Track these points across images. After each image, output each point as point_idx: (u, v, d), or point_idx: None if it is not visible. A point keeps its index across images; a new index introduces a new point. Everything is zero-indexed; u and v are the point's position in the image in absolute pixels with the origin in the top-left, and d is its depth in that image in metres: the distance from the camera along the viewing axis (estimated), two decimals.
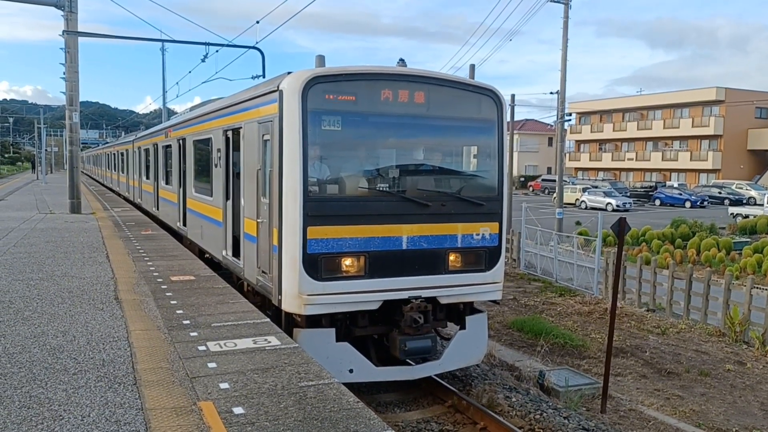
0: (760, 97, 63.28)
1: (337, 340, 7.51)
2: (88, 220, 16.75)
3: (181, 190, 14.09)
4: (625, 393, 9.70)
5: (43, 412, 4.23)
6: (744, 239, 26.08)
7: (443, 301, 7.97)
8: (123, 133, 70.65)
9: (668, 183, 59.89)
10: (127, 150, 26.45)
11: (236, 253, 9.54)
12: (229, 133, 9.96)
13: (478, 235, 8.11)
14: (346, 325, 7.76)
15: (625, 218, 9.31)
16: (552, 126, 62.90)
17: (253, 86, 9.97)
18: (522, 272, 19.74)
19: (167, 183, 16.16)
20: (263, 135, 8.08)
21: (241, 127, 9.21)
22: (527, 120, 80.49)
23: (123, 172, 28.31)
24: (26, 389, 4.63)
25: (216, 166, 10.70)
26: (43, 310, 6.99)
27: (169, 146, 15.87)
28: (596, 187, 51.77)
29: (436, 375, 8.56)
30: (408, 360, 8.02)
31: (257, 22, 20.13)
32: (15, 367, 5.09)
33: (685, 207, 47.00)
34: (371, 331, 7.99)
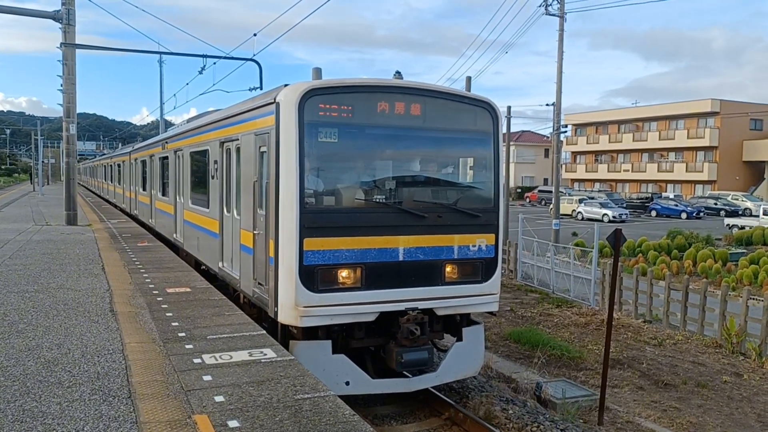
0: (755, 108, 63.64)
1: (334, 352, 7.48)
2: (85, 232, 16.71)
3: (178, 201, 14.09)
4: (622, 405, 9.68)
5: (36, 426, 4.20)
6: (740, 250, 26.13)
7: (440, 312, 7.96)
8: (120, 144, 70.70)
9: (664, 194, 60.12)
10: (123, 161, 26.46)
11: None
12: (226, 145, 9.98)
13: (474, 246, 8.12)
14: (342, 337, 7.74)
15: (621, 229, 9.33)
16: (548, 137, 63.14)
17: (250, 98, 10.00)
18: (519, 283, 19.73)
19: (164, 194, 16.15)
20: (260, 147, 8.10)
21: (238, 139, 9.22)
22: (523, 131, 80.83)
23: (119, 184, 28.30)
24: (19, 403, 4.60)
25: (213, 177, 10.70)
26: (38, 322, 6.95)
27: (165, 158, 15.88)
28: (593, 198, 51.90)
29: (432, 387, 8.53)
30: (405, 372, 7.99)
31: (254, 35, 20.27)
32: (8, 381, 5.06)
33: (681, 218, 47.12)
34: (368, 343, 7.97)
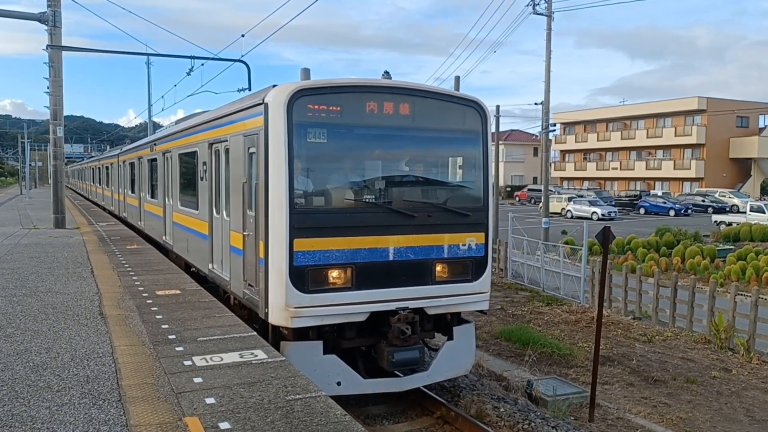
0: (741, 106, 64.26)
1: (325, 352, 7.48)
2: (73, 235, 16.59)
3: (167, 203, 14.02)
4: (613, 401, 9.73)
5: (26, 431, 4.17)
6: (727, 247, 26.37)
7: (430, 311, 7.97)
8: (108, 147, 70.26)
9: (652, 192, 60.53)
10: (111, 164, 26.31)
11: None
12: (215, 146, 9.95)
13: (464, 245, 8.14)
14: (333, 338, 7.73)
15: (609, 227, 9.40)
16: (537, 136, 63.38)
17: (238, 99, 9.97)
18: (509, 282, 19.80)
19: (152, 197, 16.07)
20: (249, 148, 8.08)
21: (226, 140, 9.20)
22: (513, 130, 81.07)
23: (108, 186, 28.14)
24: (8, 407, 4.56)
25: (202, 179, 10.66)
26: (26, 326, 6.90)
27: (154, 160, 15.81)
28: (582, 196, 52.16)
29: (424, 386, 8.54)
30: (396, 371, 8.00)
31: (242, 36, 20.29)
32: None
33: (669, 215, 47.44)
34: (359, 343, 7.97)
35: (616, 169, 70.95)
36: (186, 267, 12.07)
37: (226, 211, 9.36)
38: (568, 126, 78.27)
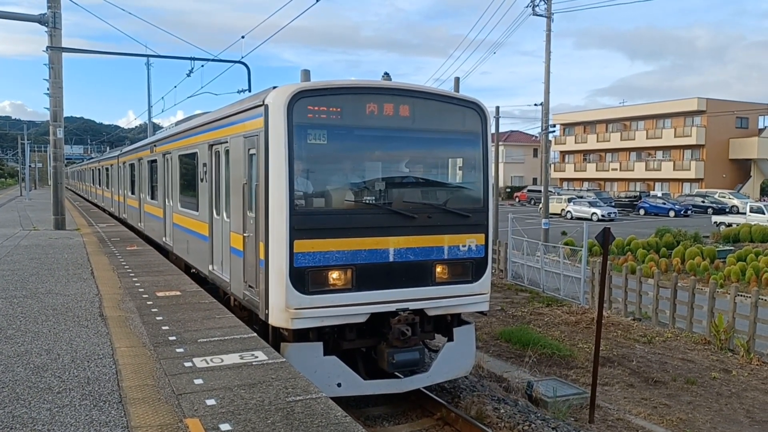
0: (741, 107, 64.29)
1: (325, 353, 7.49)
2: (73, 237, 16.59)
3: (167, 204, 14.03)
4: (613, 402, 9.74)
5: None
6: (727, 247, 26.38)
7: (431, 312, 7.98)
8: (108, 148, 70.32)
9: (652, 192, 60.55)
10: (111, 165, 26.32)
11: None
12: (215, 148, 9.95)
13: (464, 246, 8.14)
14: (333, 339, 7.74)
15: (609, 228, 9.41)
16: (537, 137, 63.38)
17: (238, 101, 9.99)
18: (509, 283, 19.80)
19: (152, 198, 16.08)
20: (249, 149, 8.09)
21: (227, 142, 9.21)
22: (512, 131, 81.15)
23: (108, 188, 28.16)
24: (9, 409, 4.56)
25: (202, 180, 10.67)
26: (27, 328, 6.90)
27: (154, 161, 15.82)
28: (581, 197, 52.18)
29: (424, 387, 8.54)
30: (396, 373, 8.00)
31: (242, 37, 20.29)
32: None
33: (669, 216, 47.45)
34: (359, 344, 7.97)
35: (616, 170, 70.98)
36: (186, 268, 12.08)
37: (226, 213, 9.36)
38: (567, 127, 78.29)
